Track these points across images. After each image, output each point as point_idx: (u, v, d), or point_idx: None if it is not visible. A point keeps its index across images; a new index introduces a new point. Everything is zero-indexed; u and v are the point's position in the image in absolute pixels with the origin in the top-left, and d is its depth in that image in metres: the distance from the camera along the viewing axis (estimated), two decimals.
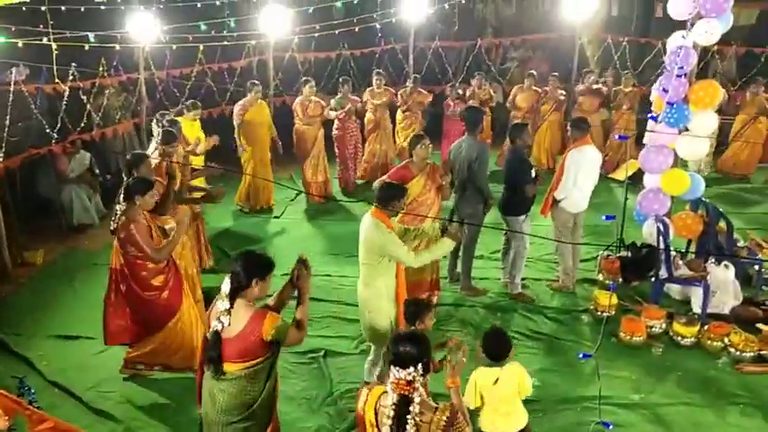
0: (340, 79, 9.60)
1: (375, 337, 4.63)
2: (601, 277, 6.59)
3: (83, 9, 8.06)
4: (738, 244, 6.68)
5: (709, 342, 5.44)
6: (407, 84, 10.40)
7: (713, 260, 6.15)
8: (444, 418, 2.75)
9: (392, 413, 2.75)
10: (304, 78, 9.31)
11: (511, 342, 3.77)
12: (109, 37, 7.99)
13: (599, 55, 12.15)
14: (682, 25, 5.80)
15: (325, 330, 5.82)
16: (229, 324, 3.30)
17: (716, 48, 11.06)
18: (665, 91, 5.74)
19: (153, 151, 6.13)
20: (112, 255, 4.79)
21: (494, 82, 10.91)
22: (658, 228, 6.00)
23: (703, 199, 6.36)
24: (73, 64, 7.94)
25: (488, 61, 12.36)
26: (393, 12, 10.51)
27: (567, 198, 6.15)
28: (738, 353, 5.29)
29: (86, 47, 7.59)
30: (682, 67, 5.64)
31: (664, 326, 5.66)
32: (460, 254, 6.47)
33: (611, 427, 3.80)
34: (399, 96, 10.01)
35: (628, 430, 4.48)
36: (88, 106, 8.33)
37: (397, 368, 2.75)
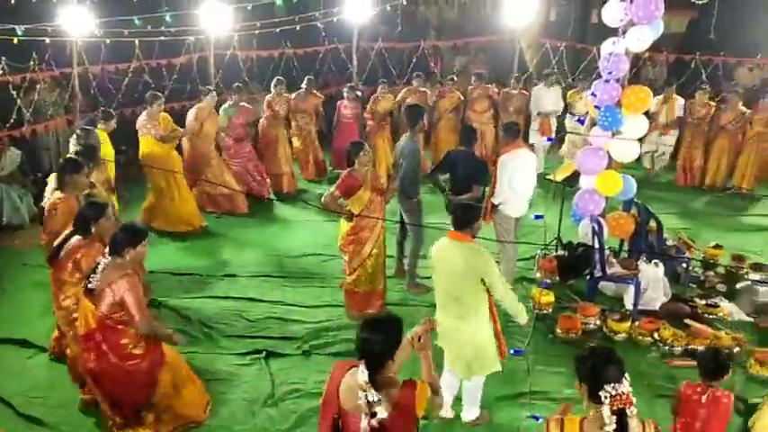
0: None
1: (483, 366, 4.36)
2: (539, 276, 6.75)
3: (13, 1, 7.73)
4: (667, 243, 6.98)
5: (640, 337, 5.66)
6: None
7: (644, 258, 6.40)
8: (652, 428, 2.72)
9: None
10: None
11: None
12: (40, 30, 7.69)
13: (538, 59, 12.46)
14: (616, 31, 6.01)
15: (266, 331, 5.77)
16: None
17: (647, 54, 11.52)
18: (594, 95, 5.97)
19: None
20: (86, 316, 4.01)
21: (436, 84, 11.00)
22: (593, 227, 6.20)
23: (635, 200, 6.61)
24: (2, 57, 7.61)
25: (431, 63, 12.51)
26: (336, 11, 10.50)
27: (504, 203, 6.25)
28: (667, 347, 5.52)
29: (15, 40, 7.28)
30: (611, 73, 5.86)
31: (598, 322, 5.85)
32: (406, 252, 6.56)
33: (540, 420, 3.92)
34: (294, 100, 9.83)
35: None
36: (18, 102, 7.99)
37: (613, 385, 2.63)
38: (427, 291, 6.52)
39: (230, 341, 5.60)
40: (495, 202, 6.28)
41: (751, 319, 6.04)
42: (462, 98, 10.53)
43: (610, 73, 5.85)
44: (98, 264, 3.93)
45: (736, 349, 5.46)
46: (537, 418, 4.20)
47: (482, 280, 4.16)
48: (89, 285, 3.91)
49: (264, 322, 5.92)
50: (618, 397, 2.59)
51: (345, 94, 10.21)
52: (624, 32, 5.94)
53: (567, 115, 10.28)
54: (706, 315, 5.98)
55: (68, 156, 5.51)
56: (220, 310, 6.10)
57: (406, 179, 6.14)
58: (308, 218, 8.54)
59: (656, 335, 5.62)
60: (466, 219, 4.27)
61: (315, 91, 10.05)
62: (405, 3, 11.41)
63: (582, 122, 6.43)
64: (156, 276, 6.60)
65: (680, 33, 13.42)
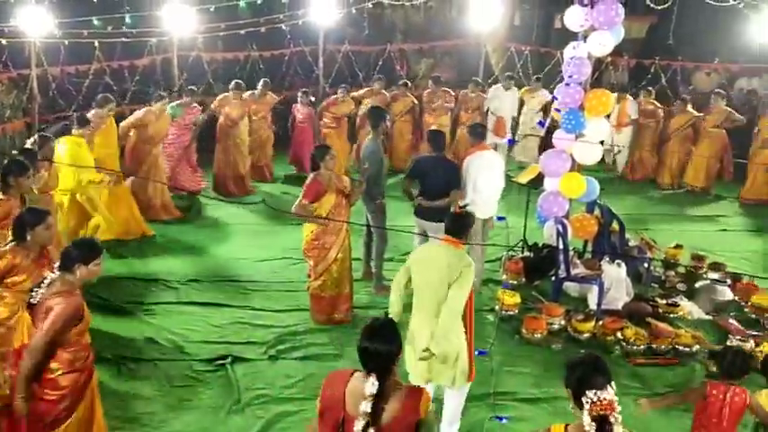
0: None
1: (466, 374, 4.28)
2: (505, 277, 6.81)
3: None
4: (630, 243, 7.11)
5: (603, 337, 5.74)
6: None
7: (607, 259, 6.50)
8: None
9: None
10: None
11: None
12: None
13: (503, 63, 12.60)
14: (578, 36, 6.12)
15: (231, 337, 5.69)
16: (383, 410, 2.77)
17: (610, 59, 11.75)
18: (555, 98, 6.08)
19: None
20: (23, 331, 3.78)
21: (402, 87, 11.06)
22: (558, 229, 6.28)
23: (598, 201, 6.72)
24: None
25: (397, 66, 12.55)
26: (301, 14, 10.46)
27: (471, 204, 6.26)
28: (630, 346, 5.61)
29: None
30: (571, 76, 5.96)
31: (563, 322, 5.92)
32: (373, 255, 6.56)
33: (504, 420, 3.95)
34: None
35: (529, 424, 4.62)
36: None
37: (595, 391, 2.63)
38: None
39: (195, 347, 5.50)
40: (462, 204, 6.32)
41: (710, 318, 6.19)
42: (416, 102, 10.68)
43: (570, 77, 5.94)
44: (45, 278, 3.60)
45: (696, 347, 5.58)
46: (501, 419, 4.23)
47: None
48: (31, 300, 3.54)
49: (229, 327, 5.84)
50: (599, 403, 2.60)
51: (299, 99, 10.21)
52: (585, 37, 6.05)
53: (523, 115, 10.54)
54: (667, 314, 6.10)
55: (14, 157, 5.34)
56: (184, 316, 6.01)
57: (370, 180, 6.14)
58: (267, 222, 8.49)
59: (619, 334, 5.71)
60: (459, 227, 4.25)
61: (270, 92, 9.97)
62: (371, 6, 11.45)
63: (543, 125, 6.56)
64: (118, 283, 6.48)
65: (640, 39, 13.70)
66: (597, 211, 6.75)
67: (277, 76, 11.56)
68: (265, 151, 10.14)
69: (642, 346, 5.60)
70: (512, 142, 7.87)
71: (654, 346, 5.61)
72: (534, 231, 7.25)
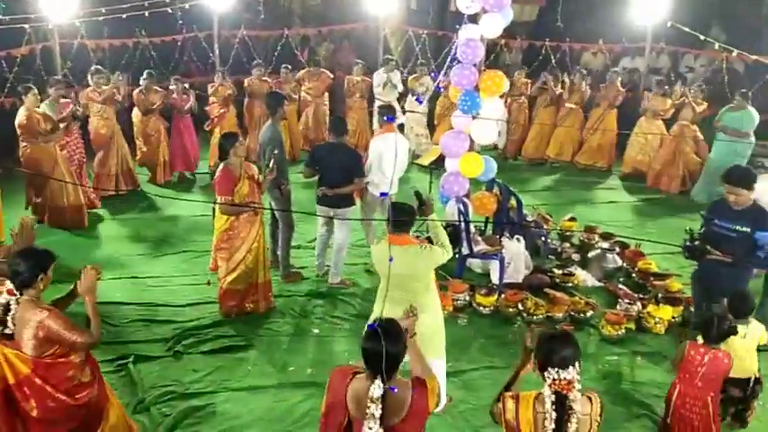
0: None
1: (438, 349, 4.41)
2: None
3: None
4: (527, 218, 7.41)
5: (506, 309, 5.98)
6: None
7: (506, 235, 6.75)
8: (598, 406, 2.83)
9: (554, 414, 2.75)
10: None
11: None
12: None
13: (402, 46, 12.72)
14: (472, 19, 6.24)
15: (134, 335, 5.48)
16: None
17: (504, 41, 12.12)
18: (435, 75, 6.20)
19: None
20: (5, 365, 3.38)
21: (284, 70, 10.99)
22: (459, 208, 6.45)
23: (496, 180, 6.94)
24: None
25: (296, 52, 12.38)
26: None
27: (371, 184, 6.37)
28: (531, 316, 5.87)
29: None
30: (455, 57, 6.11)
31: (467, 298, 6.10)
32: (279, 242, 6.49)
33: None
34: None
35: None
36: None
37: (557, 369, 2.76)
38: (302, 279, 6.51)
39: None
40: (364, 182, 6.39)
41: (601, 284, 6.57)
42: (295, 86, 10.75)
43: (454, 57, 6.08)
44: (7, 304, 3.37)
45: (590, 313, 5.91)
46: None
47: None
48: (5, 331, 3.35)
49: (130, 326, 5.62)
50: (558, 381, 2.77)
51: (175, 87, 9.47)
52: (475, 20, 6.19)
53: (408, 96, 10.73)
54: (563, 284, 6.43)
55: None
56: (78, 318, 5.70)
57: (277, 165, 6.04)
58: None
59: (520, 305, 5.96)
60: (403, 221, 4.22)
61: (156, 87, 9.30)
62: None
63: (420, 101, 6.76)
64: None
65: (531, 21, 14.23)
66: (496, 189, 6.97)
67: (170, 64, 11.11)
68: (164, 148, 9.48)
69: (542, 316, 5.87)
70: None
71: (552, 314, 5.89)
72: (440, 212, 7.38)
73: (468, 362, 5.28)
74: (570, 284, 6.44)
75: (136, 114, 9.24)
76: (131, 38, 10.66)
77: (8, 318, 3.34)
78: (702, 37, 10.05)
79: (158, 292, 6.23)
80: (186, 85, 9.72)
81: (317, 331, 5.64)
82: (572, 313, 5.92)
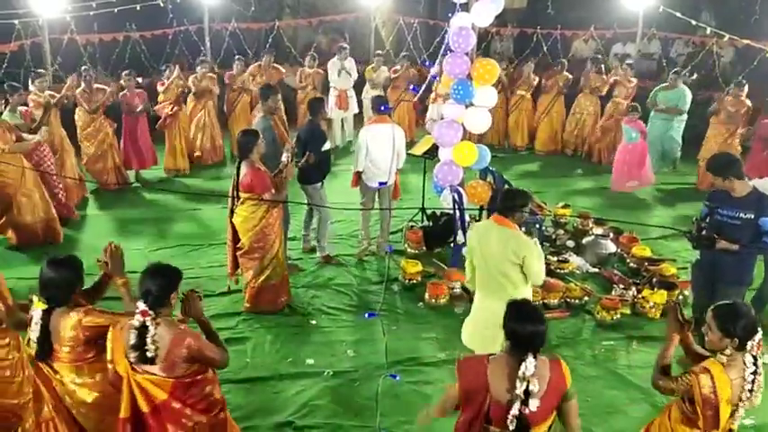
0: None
1: None
2: (407, 247, 6.96)
3: None
4: None
5: None
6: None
7: None
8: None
9: (752, 377, 3.02)
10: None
11: None
12: None
13: (394, 36, 12.69)
14: (464, 7, 6.25)
15: None
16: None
17: (495, 29, 12.12)
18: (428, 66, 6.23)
19: None
20: (127, 399, 3.19)
21: (294, 64, 10.95)
22: (453, 197, 6.47)
23: (490, 168, 6.96)
24: None
25: (287, 43, 12.35)
26: None
27: (364, 172, 6.49)
28: None
29: None
30: (447, 45, 6.13)
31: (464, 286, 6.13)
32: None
33: (397, 378, 4.07)
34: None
35: (436, 386, 4.77)
36: None
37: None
38: (300, 271, 6.53)
39: None
40: (354, 170, 6.59)
41: (596, 270, 6.61)
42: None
43: (447, 45, 6.10)
44: (142, 326, 3.09)
45: (586, 299, 5.95)
46: (394, 377, 4.31)
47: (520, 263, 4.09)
48: (147, 354, 3.07)
49: None
50: (756, 346, 3.06)
51: (128, 83, 8.64)
52: (467, 8, 6.20)
53: (366, 88, 10.71)
54: (558, 270, 6.46)
55: None
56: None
57: (265, 157, 6.03)
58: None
59: None
60: (506, 206, 4.17)
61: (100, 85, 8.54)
62: None
63: (416, 90, 6.83)
64: None
65: (522, 9, 14.21)
66: (490, 178, 6.99)
67: (162, 57, 11.07)
68: (114, 151, 8.70)
69: (537, 302, 5.90)
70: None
71: (547, 301, 5.93)
72: (433, 201, 7.41)
73: (464, 350, 5.29)
74: (565, 271, 6.48)
75: (79, 115, 8.37)
76: (122, 32, 10.61)
77: (147, 339, 3.07)
78: (694, 22, 10.08)
79: None
80: (140, 80, 9.14)
81: (314, 322, 5.67)
82: (567, 299, 5.96)
